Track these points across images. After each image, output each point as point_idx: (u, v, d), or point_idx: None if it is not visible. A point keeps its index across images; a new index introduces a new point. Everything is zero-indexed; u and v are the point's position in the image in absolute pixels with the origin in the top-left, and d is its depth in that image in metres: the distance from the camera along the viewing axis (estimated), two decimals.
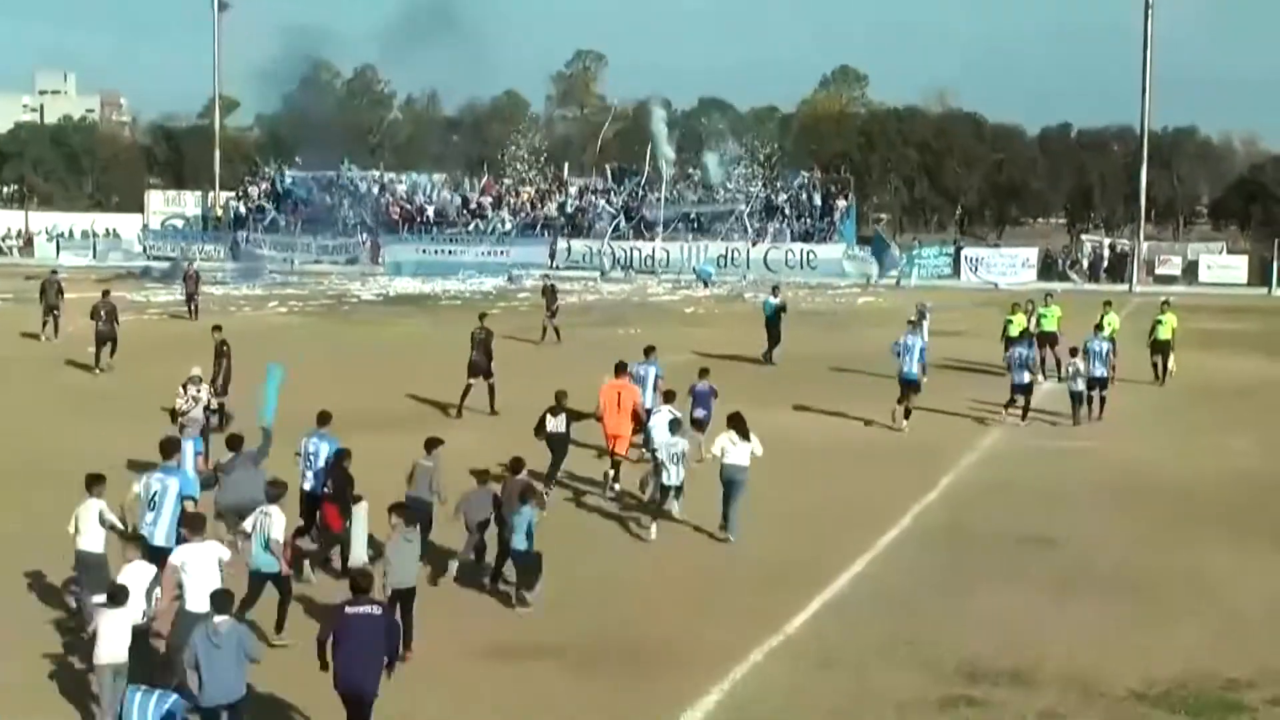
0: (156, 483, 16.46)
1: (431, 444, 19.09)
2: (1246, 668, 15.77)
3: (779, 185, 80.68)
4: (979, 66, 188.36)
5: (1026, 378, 29.89)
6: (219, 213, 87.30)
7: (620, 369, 24.39)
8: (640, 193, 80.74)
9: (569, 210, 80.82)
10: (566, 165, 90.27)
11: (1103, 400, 30.90)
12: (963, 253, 76.40)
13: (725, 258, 73.82)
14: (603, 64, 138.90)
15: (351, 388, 31.95)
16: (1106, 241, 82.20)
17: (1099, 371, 30.49)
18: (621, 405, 23.26)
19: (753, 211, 78.01)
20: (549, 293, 45.32)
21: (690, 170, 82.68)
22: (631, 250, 75.89)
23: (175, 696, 12.32)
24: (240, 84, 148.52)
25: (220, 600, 13.02)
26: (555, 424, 22.55)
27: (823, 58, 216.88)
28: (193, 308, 50.35)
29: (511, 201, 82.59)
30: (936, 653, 16.14)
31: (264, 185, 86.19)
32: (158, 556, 14.90)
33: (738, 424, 20.58)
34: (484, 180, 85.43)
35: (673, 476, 20.77)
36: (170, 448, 17.47)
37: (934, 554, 20.41)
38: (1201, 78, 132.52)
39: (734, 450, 20.32)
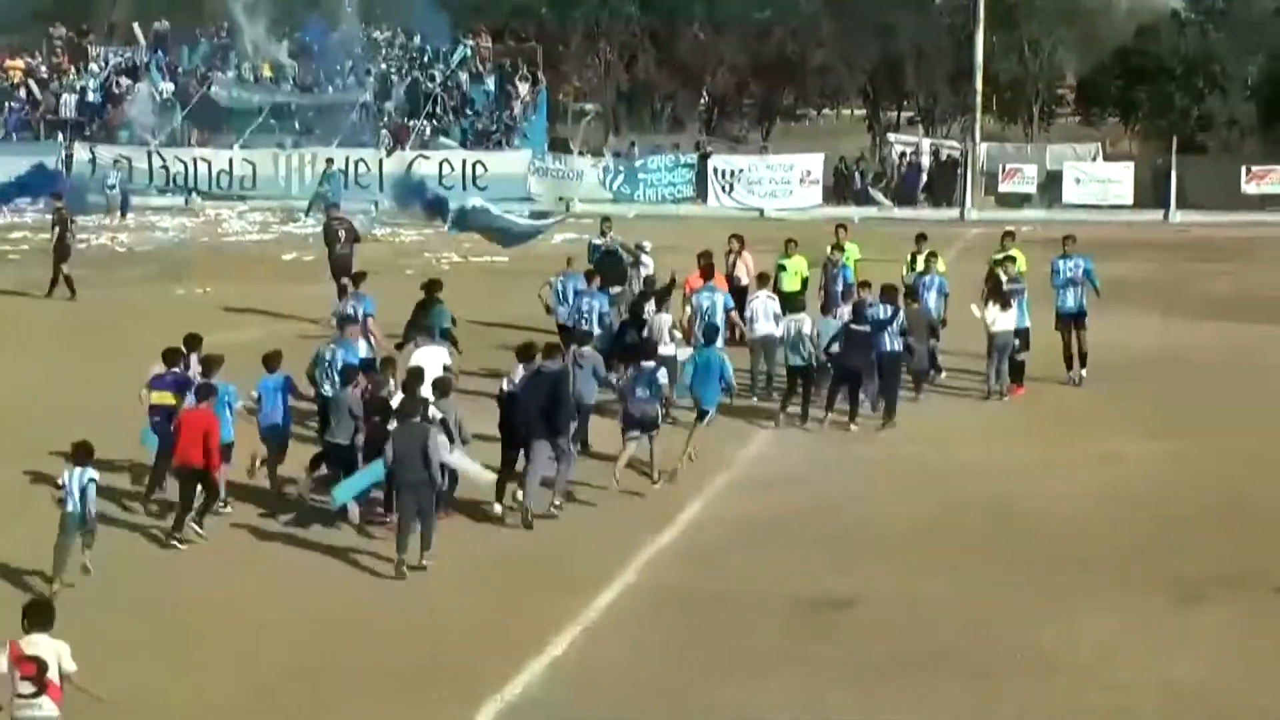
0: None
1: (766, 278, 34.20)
2: None
3: (426, 60, 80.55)
4: None
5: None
6: None
7: (708, 270, 34.49)
8: (205, 71, 79.68)
9: (92, 98, 79.40)
10: (87, 26, 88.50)
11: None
12: (710, 163, 77.40)
13: (345, 173, 73.14)
14: None
15: None
16: (926, 144, 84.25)
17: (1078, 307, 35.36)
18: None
19: (384, 101, 77.79)
20: (61, 225, 46.70)
21: (286, 35, 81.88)
22: (195, 162, 74.85)
23: None
24: None
25: (583, 336, 28.88)
26: None
27: None
28: None
29: None
30: None
31: None
32: None
33: (998, 295, 33.32)
34: None
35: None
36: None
37: (670, 626, 20.57)
38: None
39: (1002, 318, 32.93)
